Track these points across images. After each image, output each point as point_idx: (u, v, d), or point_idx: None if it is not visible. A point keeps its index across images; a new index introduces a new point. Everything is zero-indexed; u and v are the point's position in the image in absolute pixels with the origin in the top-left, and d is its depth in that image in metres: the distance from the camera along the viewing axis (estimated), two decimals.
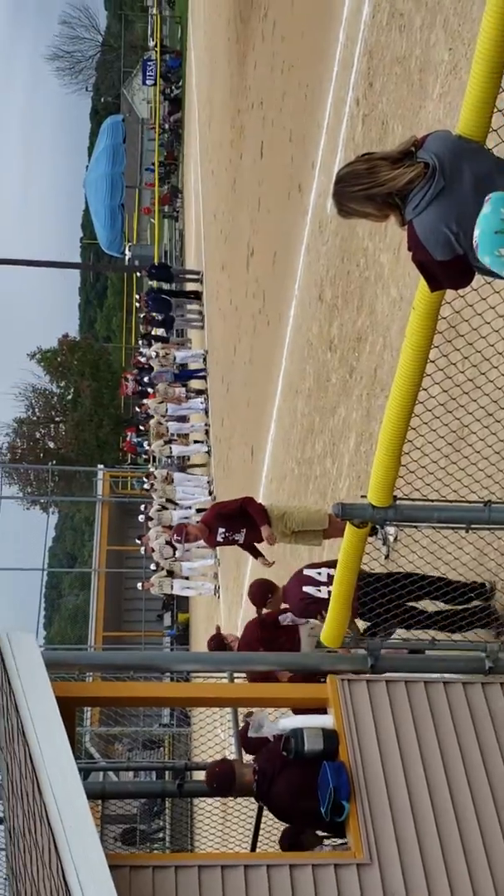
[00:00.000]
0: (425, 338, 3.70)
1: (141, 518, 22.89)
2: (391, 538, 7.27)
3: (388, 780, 4.25)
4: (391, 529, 7.09)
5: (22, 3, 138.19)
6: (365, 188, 3.20)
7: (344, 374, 9.53)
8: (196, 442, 23.80)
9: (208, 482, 22.24)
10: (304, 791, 4.49)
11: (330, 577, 6.12)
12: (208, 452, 23.16)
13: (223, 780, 4.93)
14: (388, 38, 8.71)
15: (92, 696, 5.04)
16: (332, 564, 6.20)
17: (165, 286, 30.48)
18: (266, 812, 5.35)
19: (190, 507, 21.05)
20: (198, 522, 9.70)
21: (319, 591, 6.20)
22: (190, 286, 29.37)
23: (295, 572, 6.57)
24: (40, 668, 4.53)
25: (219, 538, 8.77)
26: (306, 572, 6.36)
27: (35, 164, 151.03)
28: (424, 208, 3.14)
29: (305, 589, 6.31)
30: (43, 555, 34.29)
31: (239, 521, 8.59)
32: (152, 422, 23.94)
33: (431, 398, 4.12)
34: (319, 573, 6.30)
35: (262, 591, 7.00)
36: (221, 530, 8.71)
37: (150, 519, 21.21)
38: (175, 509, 20.83)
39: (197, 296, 28.56)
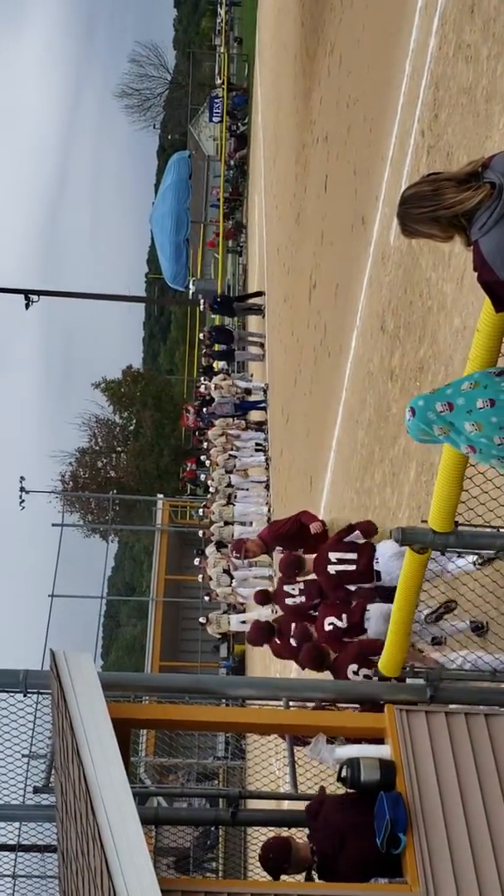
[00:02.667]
0: (490, 360, 3.66)
1: (196, 561, 22.91)
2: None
3: (446, 812, 4.16)
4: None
5: (93, 41, 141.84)
6: (431, 210, 3.19)
7: (405, 405, 9.46)
8: (255, 482, 23.82)
9: (266, 503, 22.27)
10: (369, 865, 4.34)
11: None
12: (267, 486, 23.16)
13: (277, 863, 4.68)
14: (455, 69, 8.72)
15: (147, 718, 5.01)
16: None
17: (227, 320, 30.74)
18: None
19: (251, 524, 21.10)
20: (256, 538, 9.63)
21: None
22: (252, 307, 29.62)
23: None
24: (97, 688, 4.53)
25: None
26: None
27: (103, 200, 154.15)
28: (491, 228, 3.11)
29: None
30: (102, 583, 34.50)
31: (296, 539, 8.53)
32: (213, 451, 24.05)
33: None
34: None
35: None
36: (279, 549, 8.70)
37: (205, 556, 21.23)
38: (235, 525, 20.95)
39: (259, 310, 28.84)
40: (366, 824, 4.32)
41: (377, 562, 6.98)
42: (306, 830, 4.83)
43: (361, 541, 7.22)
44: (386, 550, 6.98)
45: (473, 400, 3.40)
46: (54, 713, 4.61)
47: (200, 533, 23.60)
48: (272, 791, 6.12)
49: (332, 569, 7.15)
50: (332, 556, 7.17)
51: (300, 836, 4.88)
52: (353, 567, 7.03)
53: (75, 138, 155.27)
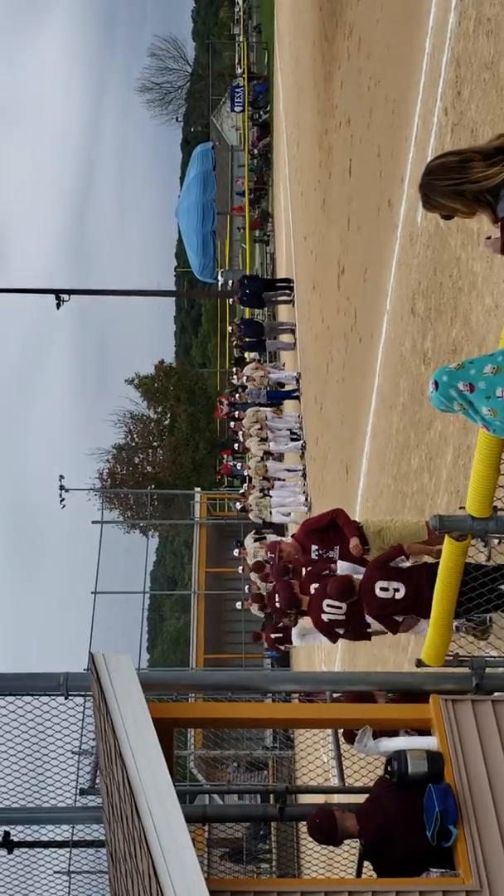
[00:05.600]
0: None
1: (236, 552, 22.89)
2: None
3: (497, 802, 4.07)
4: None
5: (112, 37, 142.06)
6: (456, 183, 3.09)
7: None
8: (290, 470, 23.75)
9: (304, 492, 22.22)
10: (416, 858, 4.29)
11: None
12: (303, 475, 23.09)
13: (325, 831, 4.72)
14: (476, 44, 8.55)
15: (189, 716, 4.98)
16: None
17: (257, 311, 30.62)
18: None
19: (289, 515, 21.01)
20: (291, 539, 9.51)
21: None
22: (281, 297, 29.50)
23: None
24: (136, 689, 4.49)
25: (313, 556, 8.50)
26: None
27: (129, 196, 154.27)
28: None
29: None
30: (144, 578, 34.63)
31: (331, 537, 8.34)
32: (248, 441, 24.02)
33: None
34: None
35: (342, 592, 7.19)
36: (314, 548, 8.47)
37: (243, 547, 21.22)
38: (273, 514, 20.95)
39: (288, 284, 28.77)
40: (414, 814, 4.26)
41: None
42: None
43: (407, 564, 6.84)
44: None
45: (494, 387, 3.42)
46: (96, 716, 4.58)
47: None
48: (320, 785, 6.06)
49: (380, 595, 6.77)
50: (379, 584, 6.79)
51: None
52: (400, 596, 6.67)
53: (99, 135, 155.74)
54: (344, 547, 8.20)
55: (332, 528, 8.31)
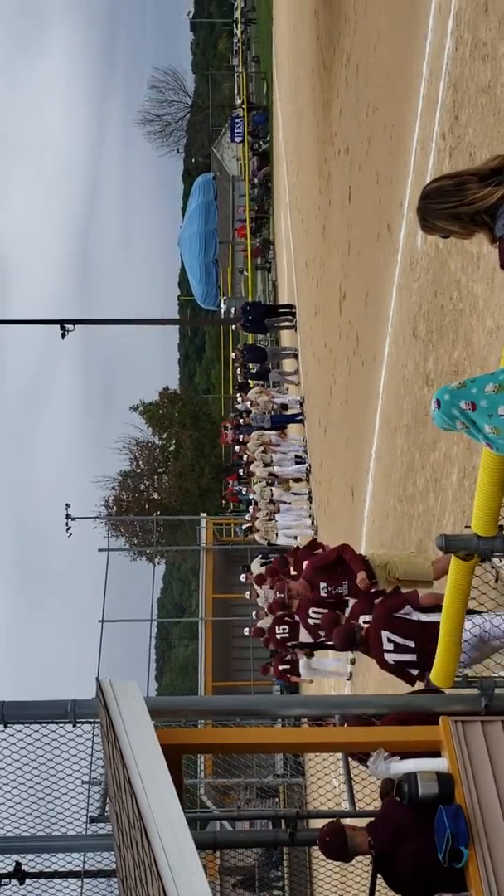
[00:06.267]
0: None
1: (243, 577, 22.83)
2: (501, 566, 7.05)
3: None
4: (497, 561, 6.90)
5: (113, 70, 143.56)
6: (452, 206, 3.13)
7: None
8: (296, 494, 23.75)
9: (310, 516, 22.21)
10: (426, 872, 4.27)
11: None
12: (309, 498, 23.08)
13: (335, 847, 4.72)
14: (472, 69, 8.64)
15: (198, 742, 4.96)
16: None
17: (260, 337, 30.73)
18: None
19: (296, 538, 20.98)
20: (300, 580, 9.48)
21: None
22: (284, 322, 29.66)
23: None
24: (144, 715, 4.48)
25: (322, 593, 8.46)
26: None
27: (132, 227, 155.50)
28: None
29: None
30: (151, 605, 34.54)
31: (339, 572, 8.34)
32: (253, 465, 24.04)
33: None
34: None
35: (345, 638, 7.08)
36: (323, 585, 8.46)
37: (251, 571, 21.16)
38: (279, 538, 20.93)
39: (291, 310, 28.92)
40: (425, 822, 4.23)
41: None
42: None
43: (416, 617, 6.25)
44: None
45: (496, 405, 3.45)
46: (104, 743, 4.57)
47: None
48: (331, 809, 6.02)
49: (389, 658, 6.36)
50: (385, 635, 6.34)
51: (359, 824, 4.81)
52: (412, 657, 6.21)
53: (101, 166, 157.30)
54: (352, 582, 8.18)
55: (339, 564, 8.32)
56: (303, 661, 11.24)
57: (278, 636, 11.60)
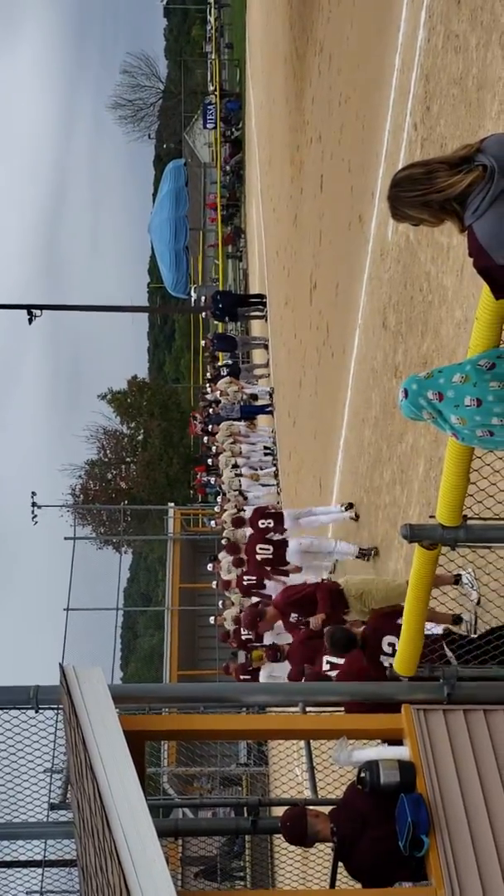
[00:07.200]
0: (490, 348, 3.58)
1: (210, 567, 22.80)
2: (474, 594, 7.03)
3: (469, 813, 4.07)
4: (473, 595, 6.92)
5: (85, 54, 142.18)
6: (421, 194, 3.12)
7: None
8: (264, 486, 23.72)
9: (277, 492, 22.27)
10: (387, 858, 4.28)
11: None
12: (278, 491, 23.08)
13: (295, 833, 4.75)
14: (444, 60, 8.64)
15: (161, 729, 4.94)
16: None
17: (230, 325, 30.65)
18: None
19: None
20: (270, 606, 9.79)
21: None
22: (255, 312, 29.62)
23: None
24: (107, 701, 4.45)
25: (291, 620, 8.82)
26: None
27: (102, 212, 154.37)
28: (484, 211, 3.04)
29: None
30: (117, 594, 34.40)
31: (310, 607, 8.58)
32: (222, 456, 23.97)
33: None
34: None
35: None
36: (294, 615, 8.77)
37: (218, 561, 21.12)
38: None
39: (261, 299, 28.87)
40: (388, 810, 4.25)
41: None
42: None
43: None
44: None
45: (462, 396, 3.46)
46: (66, 729, 4.54)
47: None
48: (293, 798, 6.03)
49: (385, 661, 6.17)
50: (387, 640, 6.32)
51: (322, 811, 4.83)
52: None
53: (71, 151, 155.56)
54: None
55: (313, 602, 8.57)
56: (263, 671, 11.32)
57: (244, 637, 11.86)
